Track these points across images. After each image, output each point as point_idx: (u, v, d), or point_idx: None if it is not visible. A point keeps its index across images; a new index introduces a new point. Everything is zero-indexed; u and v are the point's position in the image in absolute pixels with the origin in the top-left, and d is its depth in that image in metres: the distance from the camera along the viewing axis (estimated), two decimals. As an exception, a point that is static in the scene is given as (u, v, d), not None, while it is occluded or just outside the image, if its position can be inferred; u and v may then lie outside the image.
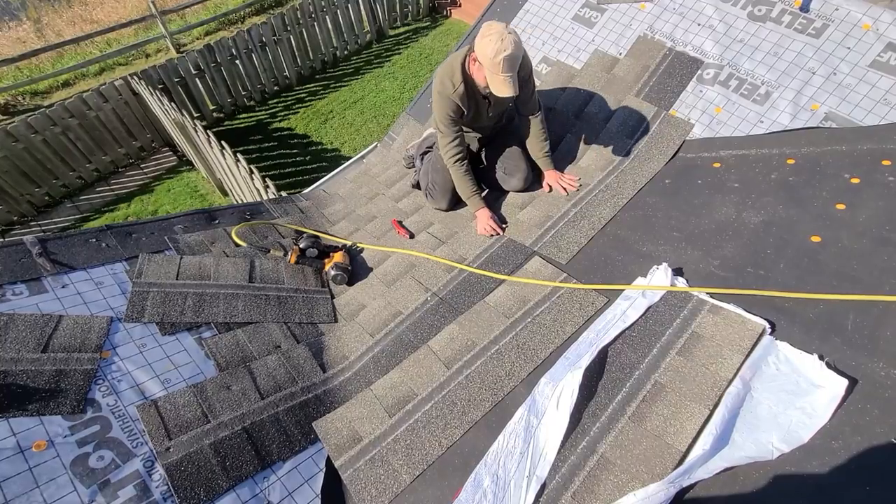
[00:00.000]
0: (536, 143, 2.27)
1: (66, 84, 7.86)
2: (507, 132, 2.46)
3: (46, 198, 5.84)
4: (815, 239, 1.65)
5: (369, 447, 1.51)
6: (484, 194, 2.35)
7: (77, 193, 6.07)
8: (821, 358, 1.32)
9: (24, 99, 7.56)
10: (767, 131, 2.08)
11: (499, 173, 2.38)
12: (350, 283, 2.23)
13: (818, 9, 2.11)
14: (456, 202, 2.44)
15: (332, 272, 2.19)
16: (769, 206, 1.82)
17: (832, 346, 1.36)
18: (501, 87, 1.86)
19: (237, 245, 2.30)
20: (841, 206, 1.70)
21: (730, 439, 1.24)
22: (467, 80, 2.02)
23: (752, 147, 2.07)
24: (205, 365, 1.69)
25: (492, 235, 2.15)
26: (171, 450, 1.38)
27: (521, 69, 1.93)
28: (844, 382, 1.24)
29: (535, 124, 2.23)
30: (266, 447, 1.49)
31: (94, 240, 2.00)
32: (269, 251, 2.25)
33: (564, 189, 2.22)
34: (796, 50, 2.12)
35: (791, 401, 1.25)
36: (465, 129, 2.37)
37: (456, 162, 2.18)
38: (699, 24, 2.39)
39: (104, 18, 9.46)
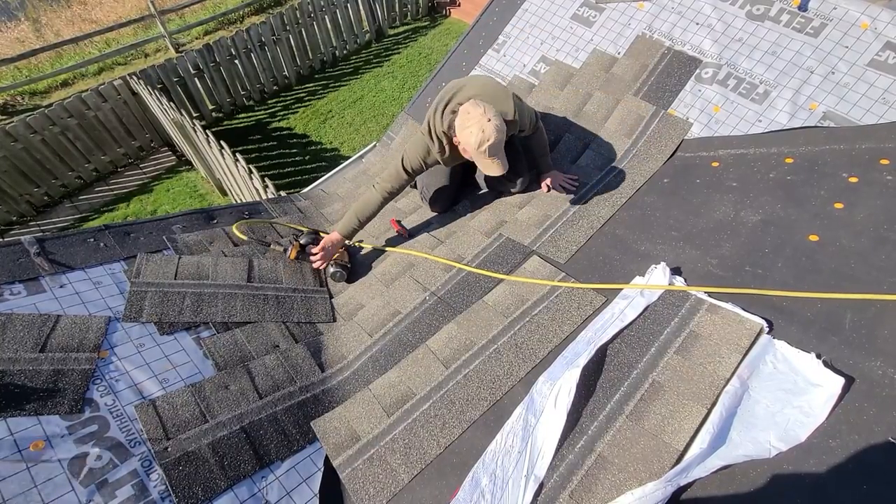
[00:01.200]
0: (535, 148, 2.27)
1: (64, 84, 7.85)
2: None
3: (45, 198, 5.84)
4: (814, 238, 1.65)
5: (367, 446, 1.51)
6: (481, 194, 2.34)
7: (76, 193, 6.07)
8: (818, 357, 1.32)
9: (22, 99, 7.55)
10: (766, 130, 2.08)
11: (498, 175, 2.37)
12: (349, 280, 2.23)
13: (816, 8, 2.11)
14: (450, 205, 2.44)
15: (331, 269, 2.19)
16: (767, 205, 1.82)
17: (830, 345, 1.36)
18: (490, 168, 1.87)
19: (238, 241, 2.30)
20: (839, 205, 1.70)
21: (727, 438, 1.24)
22: (452, 146, 2.01)
23: (751, 146, 2.07)
24: (203, 365, 1.69)
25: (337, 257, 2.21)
26: (170, 449, 1.38)
27: (524, 124, 2.00)
28: (841, 381, 1.24)
29: (535, 135, 2.22)
30: (264, 447, 1.49)
31: (92, 239, 2.00)
32: (269, 245, 2.25)
33: (565, 189, 2.22)
34: (795, 49, 2.12)
35: (788, 399, 1.25)
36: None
37: (369, 193, 2.13)
38: (697, 24, 2.39)
39: (103, 18, 9.46)
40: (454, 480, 1.39)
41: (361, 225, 2.17)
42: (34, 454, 1.26)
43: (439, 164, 2.11)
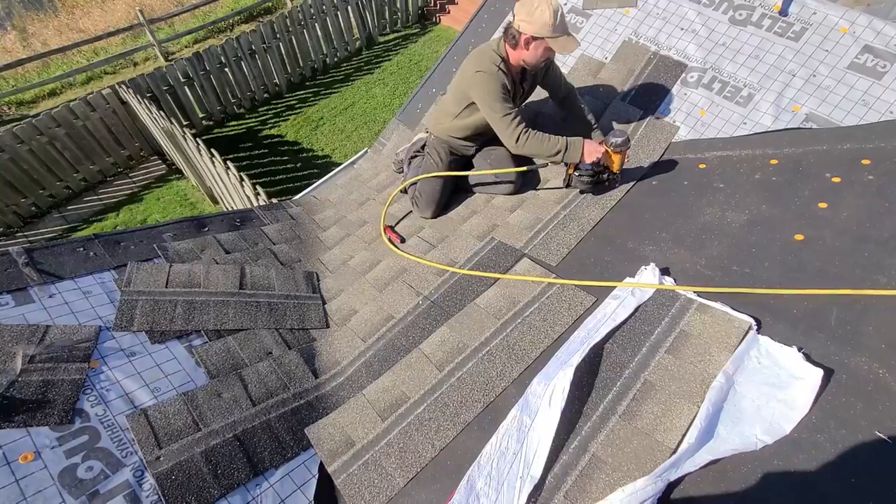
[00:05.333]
0: (578, 117, 2.28)
1: (52, 93, 7.81)
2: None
3: (33, 208, 5.77)
4: (799, 237, 1.68)
5: (362, 451, 1.51)
6: (472, 198, 2.36)
7: (64, 203, 6.01)
8: (799, 350, 1.35)
9: (9, 109, 7.49)
10: (751, 132, 2.12)
11: (489, 177, 2.40)
12: (344, 287, 2.23)
13: (797, 13, 2.16)
14: (441, 210, 2.45)
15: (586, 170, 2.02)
16: (753, 205, 1.85)
17: (817, 342, 1.39)
18: (568, 45, 1.93)
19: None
20: (823, 205, 1.74)
21: (715, 433, 1.25)
22: (507, 67, 2.06)
23: (736, 148, 2.10)
24: (195, 373, 1.68)
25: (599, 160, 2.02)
26: (162, 459, 1.37)
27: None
28: (820, 372, 1.26)
29: (574, 97, 2.27)
30: (258, 454, 1.48)
31: (81, 249, 1.99)
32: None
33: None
34: (777, 53, 2.16)
35: (773, 393, 1.27)
36: (463, 142, 2.39)
37: (527, 131, 2.07)
38: (682, 29, 2.44)
39: (91, 27, 9.42)
40: (450, 483, 1.39)
41: (562, 138, 2.07)
42: (23, 466, 1.24)
43: (506, 85, 2.07)
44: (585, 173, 2.04)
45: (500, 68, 2.04)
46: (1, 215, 5.50)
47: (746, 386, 1.32)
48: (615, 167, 2.03)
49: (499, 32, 3.06)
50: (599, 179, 2.07)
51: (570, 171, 2.11)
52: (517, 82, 2.19)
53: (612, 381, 1.47)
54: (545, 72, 2.23)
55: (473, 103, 2.19)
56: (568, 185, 2.20)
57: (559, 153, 2.05)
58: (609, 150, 1.98)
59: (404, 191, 2.68)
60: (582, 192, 2.17)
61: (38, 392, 1.40)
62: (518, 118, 2.07)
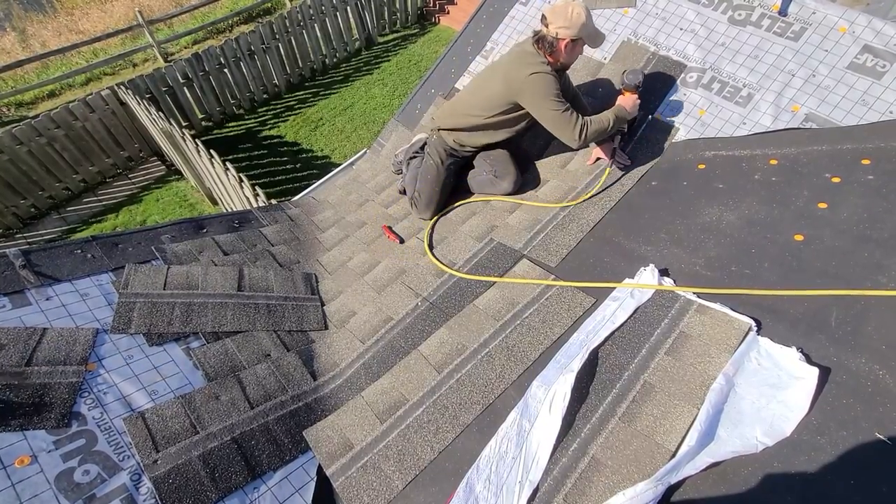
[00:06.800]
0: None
1: (51, 94, 7.80)
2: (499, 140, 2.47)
3: (32, 210, 5.77)
4: (799, 237, 1.67)
5: (361, 454, 1.50)
6: (472, 198, 2.35)
7: (64, 205, 6.00)
8: (799, 350, 1.34)
9: (8, 110, 7.48)
10: (750, 133, 2.12)
11: (488, 177, 2.39)
12: (342, 288, 2.22)
13: (796, 13, 2.16)
14: (440, 212, 2.44)
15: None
16: (753, 205, 1.84)
17: (817, 343, 1.38)
18: (598, 38, 2.08)
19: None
20: (823, 205, 1.73)
21: (715, 435, 1.25)
22: (554, 68, 2.10)
23: (736, 148, 2.10)
24: (193, 375, 1.67)
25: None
26: (159, 462, 1.37)
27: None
28: (816, 371, 1.26)
29: (580, 102, 2.32)
30: (256, 457, 1.48)
31: (79, 251, 1.98)
32: None
33: (620, 163, 2.20)
34: (776, 53, 2.16)
35: (773, 394, 1.27)
36: (471, 148, 2.37)
37: (583, 123, 2.06)
38: (681, 29, 2.43)
39: (90, 28, 9.41)
40: (448, 486, 1.38)
41: (609, 109, 2.12)
42: (19, 470, 1.23)
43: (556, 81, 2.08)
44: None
45: (550, 71, 2.07)
46: (0, 217, 5.49)
47: (746, 387, 1.32)
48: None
49: (498, 33, 3.06)
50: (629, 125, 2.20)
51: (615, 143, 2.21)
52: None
53: (611, 382, 1.47)
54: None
55: (515, 106, 2.16)
56: (613, 157, 2.21)
57: (615, 123, 2.10)
58: (636, 93, 2.15)
59: (402, 192, 2.68)
60: (622, 168, 2.21)
61: (35, 395, 1.40)
62: (575, 113, 2.07)
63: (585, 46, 2.13)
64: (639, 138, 2.31)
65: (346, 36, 7.97)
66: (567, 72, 2.26)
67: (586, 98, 2.49)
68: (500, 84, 2.16)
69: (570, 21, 1.97)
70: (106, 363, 1.58)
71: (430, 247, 2.24)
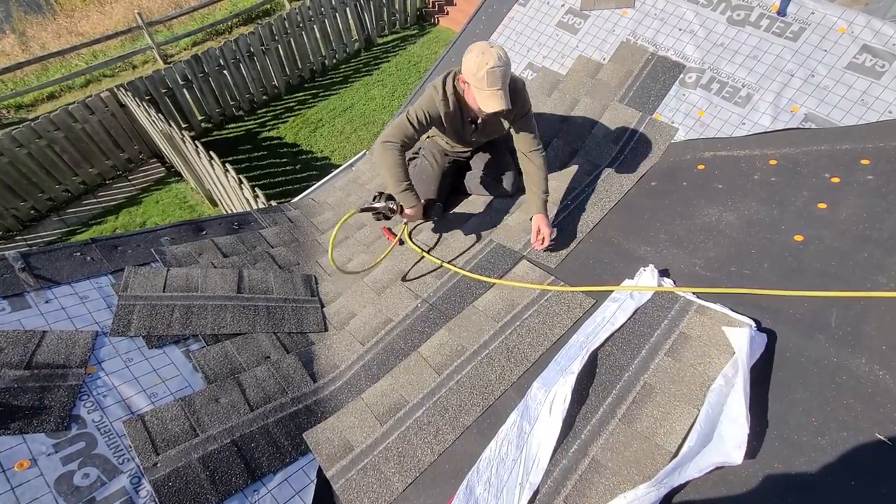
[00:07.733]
0: (532, 180, 2.02)
1: (51, 97, 7.79)
2: (496, 140, 2.47)
3: (32, 212, 5.76)
4: (798, 238, 1.67)
5: (361, 456, 1.50)
6: (470, 200, 2.34)
7: (63, 207, 6.00)
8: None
9: (8, 112, 7.48)
10: (749, 133, 2.12)
11: (487, 178, 2.39)
12: (342, 290, 2.22)
13: (795, 13, 2.16)
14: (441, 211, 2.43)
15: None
16: (752, 206, 1.84)
17: (817, 343, 1.38)
18: (489, 102, 1.75)
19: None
20: (822, 205, 1.73)
21: (717, 435, 1.24)
22: (459, 99, 1.97)
23: (735, 149, 2.10)
24: (193, 378, 1.67)
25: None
26: (159, 465, 1.36)
27: (517, 105, 1.87)
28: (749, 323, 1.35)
29: (535, 160, 2.01)
30: (256, 460, 1.47)
31: (78, 253, 1.98)
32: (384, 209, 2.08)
33: (541, 241, 1.94)
34: (775, 53, 2.16)
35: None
36: (451, 144, 2.35)
37: (393, 147, 1.91)
38: (680, 30, 2.43)
39: (90, 30, 9.41)
40: (449, 488, 1.38)
41: (411, 184, 2.00)
42: (19, 474, 1.23)
43: (441, 120, 1.98)
44: (377, 212, 2.09)
45: (446, 98, 1.93)
46: (0, 219, 5.49)
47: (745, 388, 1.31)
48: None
49: (497, 34, 3.06)
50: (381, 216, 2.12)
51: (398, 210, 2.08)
52: (464, 120, 2.06)
53: (611, 383, 1.47)
54: (516, 118, 2.01)
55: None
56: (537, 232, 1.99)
57: (387, 184, 1.99)
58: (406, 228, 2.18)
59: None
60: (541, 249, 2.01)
61: (35, 398, 1.40)
62: (404, 140, 1.91)
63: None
64: (637, 139, 2.31)
65: (345, 37, 7.98)
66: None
67: (586, 98, 2.48)
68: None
69: (465, 58, 1.77)
70: (105, 366, 1.58)
71: (411, 236, 2.27)
